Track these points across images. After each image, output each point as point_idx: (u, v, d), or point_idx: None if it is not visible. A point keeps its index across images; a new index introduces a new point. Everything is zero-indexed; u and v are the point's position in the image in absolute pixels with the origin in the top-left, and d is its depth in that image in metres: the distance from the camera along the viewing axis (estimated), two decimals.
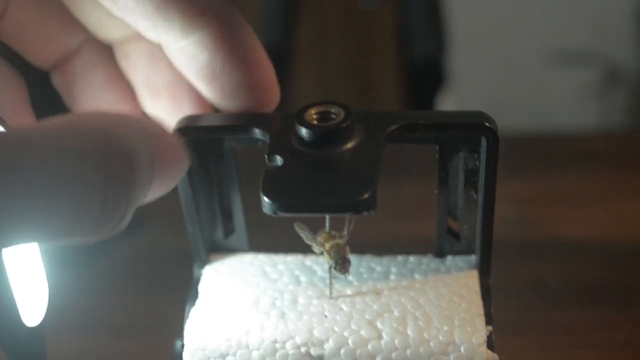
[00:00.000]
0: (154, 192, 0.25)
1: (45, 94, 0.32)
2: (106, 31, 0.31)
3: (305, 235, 0.30)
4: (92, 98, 0.32)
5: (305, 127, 0.26)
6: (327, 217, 0.29)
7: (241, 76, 0.29)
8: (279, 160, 0.26)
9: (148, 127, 0.25)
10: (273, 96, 0.30)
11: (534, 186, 0.70)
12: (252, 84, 0.29)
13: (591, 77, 1.33)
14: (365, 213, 0.24)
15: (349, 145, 0.26)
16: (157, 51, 0.30)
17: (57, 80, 0.32)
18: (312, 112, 0.27)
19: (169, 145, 0.25)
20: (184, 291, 0.31)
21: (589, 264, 0.60)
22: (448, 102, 1.02)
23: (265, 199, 0.24)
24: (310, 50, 1.17)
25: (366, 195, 0.24)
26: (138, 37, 0.30)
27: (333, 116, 0.27)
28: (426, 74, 1.12)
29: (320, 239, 0.29)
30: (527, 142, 0.77)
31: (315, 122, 0.26)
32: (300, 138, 0.26)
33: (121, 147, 0.22)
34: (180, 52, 0.28)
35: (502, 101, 1.25)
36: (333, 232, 0.29)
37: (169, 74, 0.30)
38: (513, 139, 0.75)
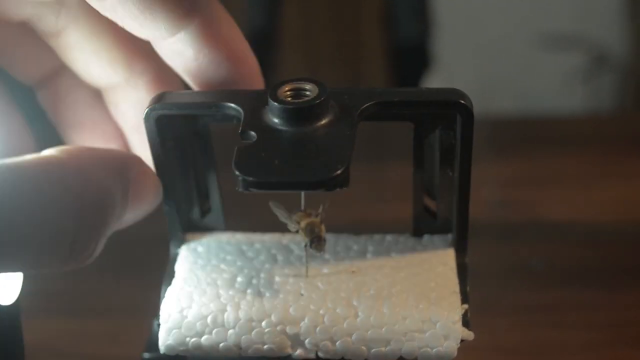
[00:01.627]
0: (126, 222, 0.27)
1: (29, 110, 0.32)
2: (94, 78, 0.31)
3: (280, 214, 0.29)
4: (78, 116, 0.32)
5: (279, 103, 0.26)
6: (302, 194, 0.29)
7: (226, 71, 0.29)
8: (252, 136, 0.26)
9: (127, 165, 0.26)
10: (256, 87, 0.30)
11: (518, 168, 0.70)
12: (237, 78, 0.29)
13: (578, 60, 1.33)
14: (339, 190, 0.24)
15: (323, 122, 0.26)
16: (147, 100, 0.30)
17: (42, 97, 0.32)
18: (286, 88, 0.27)
19: (144, 182, 0.26)
20: (161, 273, 0.31)
21: (571, 245, 0.60)
22: (434, 85, 1.02)
23: (238, 175, 0.24)
24: (295, 33, 1.17)
25: (339, 172, 0.24)
26: (126, 85, 0.31)
27: (307, 93, 0.27)
28: (413, 57, 1.12)
29: (295, 217, 0.29)
30: (511, 125, 0.77)
31: (289, 98, 0.26)
32: (273, 114, 0.26)
33: (97, 190, 0.23)
34: (167, 48, 0.29)
35: (488, 84, 1.25)
36: (309, 211, 0.29)
37: None
38: (498, 122, 0.75)
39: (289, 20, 1.14)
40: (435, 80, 1.11)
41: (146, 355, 0.34)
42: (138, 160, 0.27)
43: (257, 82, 0.30)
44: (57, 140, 0.33)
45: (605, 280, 0.56)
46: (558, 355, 0.50)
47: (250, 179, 0.24)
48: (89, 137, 0.32)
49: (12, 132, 0.32)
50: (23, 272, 0.23)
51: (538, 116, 0.82)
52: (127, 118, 0.31)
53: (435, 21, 1.21)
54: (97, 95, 0.32)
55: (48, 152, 0.24)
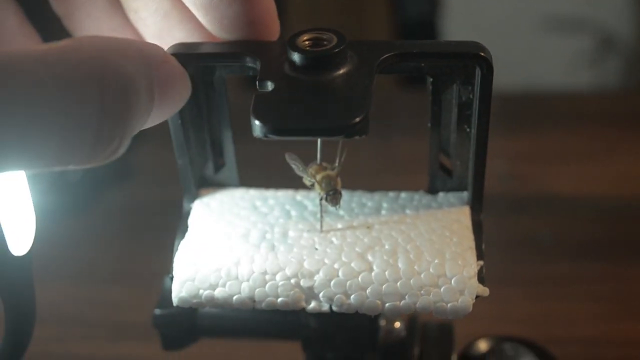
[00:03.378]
0: (154, 119, 0.25)
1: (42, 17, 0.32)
2: None
3: (296, 166, 0.29)
4: (95, 22, 0.31)
5: (298, 51, 0.26)
6: (319, 145, 0.29)
7: (240, 8, 0.28)
8: (269, 85, 0.25)
9: (148, 53, 0.24)
10: (273, 30, 0.29)
11: (527, 144, 0.70)
12: (251, 17, 0.28)
13: (584, 43, 1.32)
14: (357, 137, 0.24)
15: (341, 71, 0.26)
16: (168, 8, 0.29)
17: (56, 5, 0.31)
18: (305, 37, 0.26)
19: (170, 71, 0.24)
20: (173, 240, 0.31)
21: (579, 219, 0.60)
22: None
23: (256, 121, 0.24)
24: (301, 11, 1.16)
25: (358, 119, 0.24)
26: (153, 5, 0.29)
27: (325, 42, 0.26)
28: (419, 36, 1.11)
29: (311, 170, 0.29)
30: (520, 101, 0.77)
31: (307, 47, 0.26)
32: (292, 63, 0.26)
33: (118, 75, 0.22)
34: None
35: (494, 67, 1.24)
36: (324, 164, 0.29)
37: (181, 33, 0.30)
38: (506, 98, 0.75)
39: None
40: None
41: (158, 311, 0.34)
42: (163, 52, 0.25)
43: (272, 23, 0.29)
44: None
45: (611, 254, 0.56)
46: (565, 326, 0.51)
47: (268, 124, 0.24)
48: None
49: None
50: (45, 169, 0.22)
51: (545, 94, 0.81)
52: (148, 25, 0.30)
53: (441, 2, 1.20)
54: (114, 3, 0.31)
55: (64, 41, 0.22)
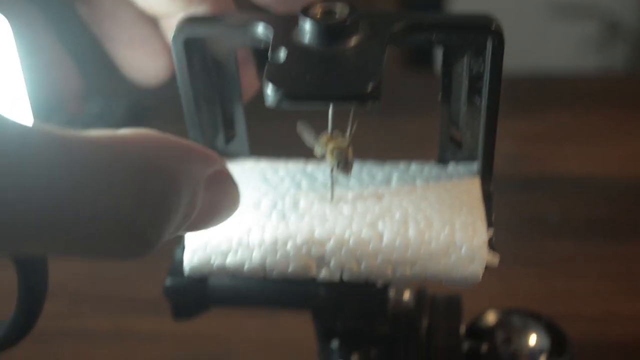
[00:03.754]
0: (192, 228, 0.24)
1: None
2: (152, 7, 0.30)
3: (307, 136, 0.29)
4: (123, 31, 0.31)
5: (310, 21, 0.26)
6: (330, 115, 0.29)
7: None
8: (282, 54, 0.26)
9: (201, 158, 0.22)
10: None
11: (535, 125, 0.70)
12: None
13: (590, 28, 1.32)
14: (370, 105, 0.24)
15: (354, 41, 0.26)
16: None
17: (82, 11, 0.32)
18: (317, 8, 0.26)
19: (221, 185, 0.24)
20: None
21: (586, 199, 0.61)
22: None
23: (269, 89, 0.24)
24: None
25: (371, 86, 0.24)
26: (184, 13, 0.30)
27: (337, 13, 0.26)
28: None
29: (322, 140, 0.29)
30: (527, 84, 0.77)
31: (319, 18, 0.26)
32: (304, 33, 0.26)
33: (160, 177, 0.20)
34: None
35: None
36: (336, 134, 0.29)
37: None
38: (513, 80, 0.75)
39: None
40: None
41: (169, 281, 0.34)
42: (218, 161, 0.23)
43: None
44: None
45: (618, 232, 0.57)
46: (571, 303, 0.51)
47: (281, 92, 0.24)
48: (138, 53, 0.32)
49: (62, 75, 0.32)
50: (73, 257, 0.21)
51: (552, 76, 0.81)
52: None
53: None
54: (143, 11, 0.31)
55: (121, 131, 0.21)
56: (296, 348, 0.49)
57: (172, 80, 0.31)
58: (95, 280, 0.55)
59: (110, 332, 0.52)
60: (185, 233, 0.25)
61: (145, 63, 0.32)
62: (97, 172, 0.19)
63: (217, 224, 0.25)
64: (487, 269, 0.28)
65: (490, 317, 0.37)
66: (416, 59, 1.04)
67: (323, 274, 0.28)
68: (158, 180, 0.20)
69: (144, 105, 0.72)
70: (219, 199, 0.24)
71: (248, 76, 0.32)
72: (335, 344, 0.36)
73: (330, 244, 0.28)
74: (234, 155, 0.32)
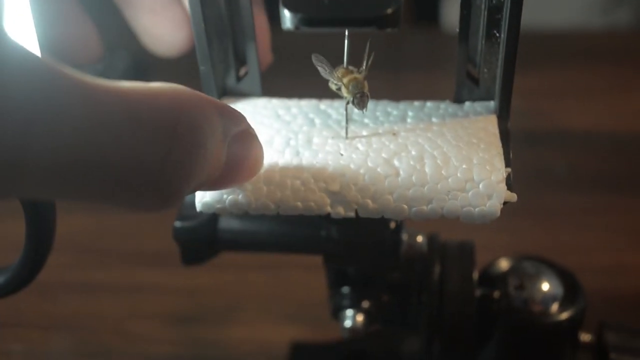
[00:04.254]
0: (216, 184, 0.24)
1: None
2: None
3: (323, 69, 0.28)
4: (152, 16, 0.31)
5: None
6: (346, 47, 0.28)
7: None
8: None
9: (228, 115, 0.23)
10: None
11: (540, 80, 0.69)
12: None
13: None
14: (389, 30, 0.23)
15: None
16: None
17: None
18: None
19: (245, 140, 0.24)
20: None
21: (594, 153, 0.60)
22: (451, 5, 1.00)
23: (286, 11, 0.23)
24: None
25: (390, 10, 0.23)
26: None
27: None
28: None
29: (338, 73, 0.28)
30: (534, 39, 0.76)
31: None
32: None
33: (190, 130, 0.21)
34: None
35: None
36: (351, 68, 0.29)
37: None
38: (521, 35, 0.74)
39: None
40: (452, 9, 1.09)
41: (178, 223, 0.34)
42: (245, 121, 0.24)
43: None
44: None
45: (626, 186, 0.56)
46: (579, 256, 0.50)
47: (300, 15, 0.23)
48: (159, 22, 0.31)
49: (81, 37, 0.32)
50: (96, 204, 0.21)
51: (559, 33, 0.80)
52: None
53: None
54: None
55: (149, 84, 0.21)
56: (304, 302, 0.49)
57: None
58: (102, 233, 0.55)
59: (116, 285, 0.51)
60: (207, 190, 0.26)
61: (165, 32, 0.32)
62: (127, 122, 0.19)
63: (238, 183, 0.26)
64: (497, 219, 0.27)
65: (503, 264, 0.37)
66: (423, 15, 1.02)
67: (337, 209, 0.27)
68: (186, 134, 0.21)
69: (147, 60, 0.71)
70: (243, 158, 0.24)
71: (263, 43, 0.31)
72: (346, 290, 0.36)
73: (345, 180, 0.27)
74: (246, 94, 0.32)
